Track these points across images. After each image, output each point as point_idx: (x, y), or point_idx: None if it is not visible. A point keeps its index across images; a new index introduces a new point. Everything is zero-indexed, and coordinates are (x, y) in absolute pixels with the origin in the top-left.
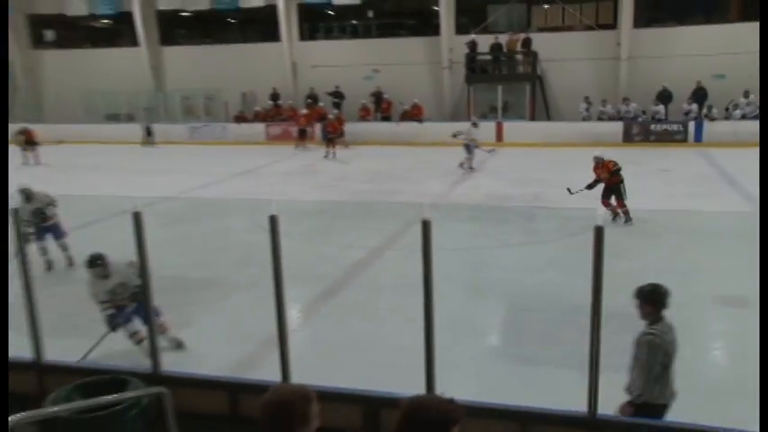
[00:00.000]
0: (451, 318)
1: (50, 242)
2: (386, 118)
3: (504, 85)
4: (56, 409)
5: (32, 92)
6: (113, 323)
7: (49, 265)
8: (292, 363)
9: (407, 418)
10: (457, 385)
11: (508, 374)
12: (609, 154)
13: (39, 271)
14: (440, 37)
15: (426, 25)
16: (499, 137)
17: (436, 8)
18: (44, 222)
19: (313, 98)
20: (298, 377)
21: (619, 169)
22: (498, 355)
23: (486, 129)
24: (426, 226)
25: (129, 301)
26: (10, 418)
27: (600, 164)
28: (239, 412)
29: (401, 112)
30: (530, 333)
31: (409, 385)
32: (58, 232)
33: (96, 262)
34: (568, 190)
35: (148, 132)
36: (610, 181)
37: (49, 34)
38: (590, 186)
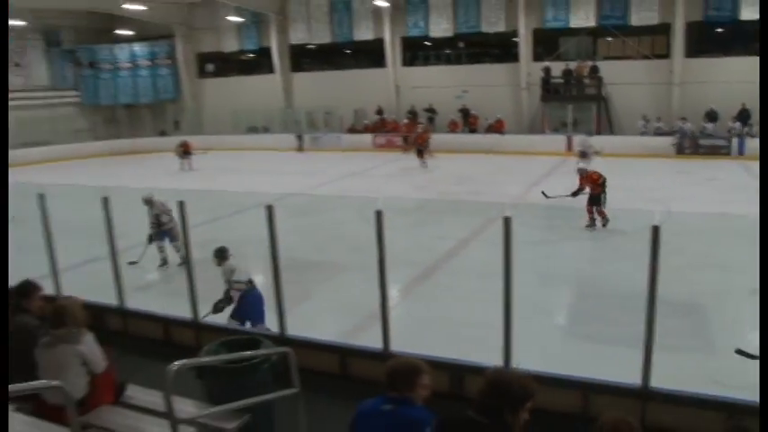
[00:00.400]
0: (526, 300)
1: (167, 243)
2: (472, 131)
3: (574, 104)
4: (207, 359)
5: (196, 111)
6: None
7: (164, 262)
8: (391, 333)
9: (491, 387)
10: (529, 357)
11: (572, 350)
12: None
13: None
14: (519, 63)
15: (508, 54)
16: (569, 147)
17: (516, 39)
18: (160, 227)
19: (413, 113)
20: (396, 345)
21: (604, 180)
22: (564, 333)
23: (557, 141)
24: (507, 222)
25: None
26: (175, 363)
27: (584, 175)
28: (348, 372)
29: (485, 125)
30: (592, 315)
31: (489, 356)
32: (171, 236)
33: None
34: (543, 193)
35: (300, 141)
36: (594, 191)
37: (210, 66)
38: (574, 194)
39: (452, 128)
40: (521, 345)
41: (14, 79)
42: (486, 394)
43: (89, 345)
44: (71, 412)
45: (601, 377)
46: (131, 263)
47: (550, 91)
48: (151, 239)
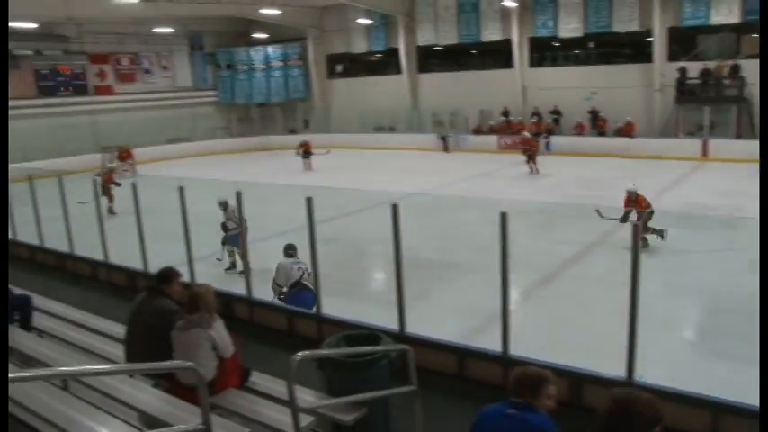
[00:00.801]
0: (652, 311)
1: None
2: (601, 133)
3: (711, 107)
4: (328, 351)
5: (324, 110)
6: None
7: (232, 265)
8: (511, 337)
9: (620, 409)
10: (653, 370)
11: (701, 366)
12: None
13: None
14: (652, 64)
15: (640, 54)
16: (705, 152)
17: (650, 39)
18: (226, 231)
19: (538, 115)
20: (515, 349)
21: (650, 207)
22: (693, 348)
23: (692, 145)
24: (636, 230)
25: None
26: (299, 353)
27: (633, 198)
28: (465, 372)
29: (614, 128)
30: (724, 331)
31: (610, 367)
32: (235, 241)
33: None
34: (598, 212)
35: (445, 142)
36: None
37: (339, 67)
38: (622, 220)
39: (579, 130)
40: (645, 357)
41: (162, 81)
42: (613, 416)
43: (219, 330)
44: (203, 392)
45: (731, 397)
46: (218, 259)
47: (686, 92)
48: (224, 242)
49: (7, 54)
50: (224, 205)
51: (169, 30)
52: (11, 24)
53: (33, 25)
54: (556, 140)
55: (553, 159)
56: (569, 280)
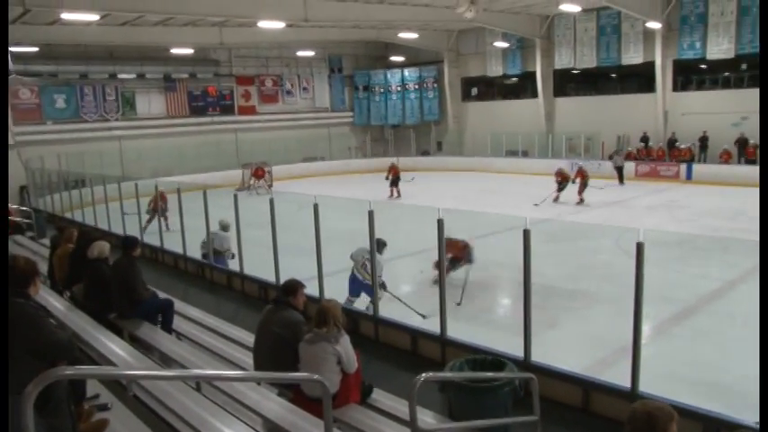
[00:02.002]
0: None
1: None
2: (750, 162)
3: None
4: (452, 374)
5: (458, 133)
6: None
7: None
8: (641, 373)
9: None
10: None
11: None
12: None
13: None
14: None
15: None
16: None
17: None
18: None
19: (671, 143)
20: (644, 385)
21: None
22: None
23: None
24: None
25: None
26: (422, 374)
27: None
28: (590, 407)
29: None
30: None
31: (750, 413)
32: (221, 262)
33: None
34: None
35: (620, 173)
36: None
37: (474, 90)
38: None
39: (725, 158)
40: None
41: (302, 102)
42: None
43: (345, 345)
44: (327, 405)
45: None
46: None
47: None
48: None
49: (7, 54)
50: (220, 224)
51: (310, 53)
52: (172, 51)
53: (190, 51)
54: (699, 168)
55: (696, 188)
56: (709, 317)
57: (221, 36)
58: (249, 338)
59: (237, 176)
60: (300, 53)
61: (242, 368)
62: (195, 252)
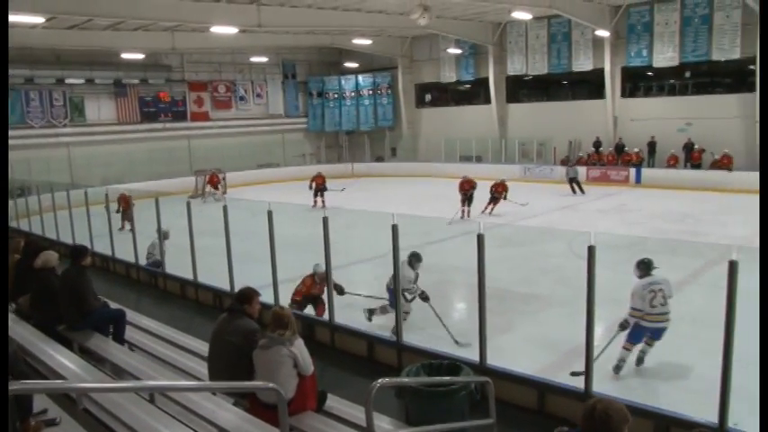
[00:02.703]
0: (748, 356)
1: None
2: (695, 166)
3: None
4: (408, 379)
5: (412, 139)
6: None
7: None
8: (594, 374)
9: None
10: (750, 417)
11: None
12: None
13: None
14: (754, 93)
15: (741, 84)
16: None
17: (752, 67)
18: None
19: (619, 148)
20: (598, 387)
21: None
22: None
23: None
24: (732, 267)
25: None
26: (378, 380)
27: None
28: (545, 409)
29: (711, 161)
30: None
31: (699, 410)
32: (156, 265)
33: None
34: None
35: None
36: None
37: (427, 96)
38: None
39: (672, 162)
40: (740, 403)
41: (255, 108)
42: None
43: (300, 347)
44: (283, 412)
45: None
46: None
47: None
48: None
49: (7, 55)
50: (166, 235)
51: (264, 59)
52: (122, 55)
53: (141, 56)
54: (647, 173)
55: (645, 192)
56: None
57: (173, 41)
58: (204, 348)
59: (190, 184)
60: (254, 59)
61: (197, 378)
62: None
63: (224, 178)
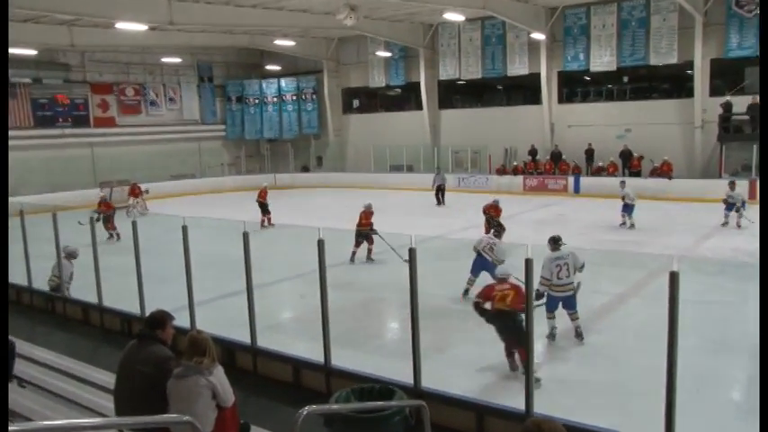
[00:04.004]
0: (693, 369)
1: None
2: (634, 174)
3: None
4: (338, 406)
5: (339, 147)
6: None
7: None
8: (535, 394)
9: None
10: None
11: (748, 430)
12: None
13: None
14: (693, 99)
15: (680, 88)
16: (752, 194)
17: (690, 72)
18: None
19: (555, 156)
20: (540, 407)
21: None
22: (740, 411)
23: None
24: (674, 277)
25: None
26: (305, 408)
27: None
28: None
29: (650, 168)
30: None
31: (647, 429)
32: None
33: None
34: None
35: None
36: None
37: (355, 102)
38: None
39: (611, 170)
40: (686, 419)
41: (168, 113)
42: None
43: (219, 376)
44: None
45: None
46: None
47: (730, 129)
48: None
49: (7, 56)
50: (72, 255)
51: (177, 60)
52: (11, 50)
53: (33, 52)
54: (586, 181)
55: (584, 201)
56: (601, 332)
57: (71, 36)
58: (110, 380)
59: (94, 196)
60: (166, 59)
61: (101, 415)
62: (42, 284)
63: (147, 191)
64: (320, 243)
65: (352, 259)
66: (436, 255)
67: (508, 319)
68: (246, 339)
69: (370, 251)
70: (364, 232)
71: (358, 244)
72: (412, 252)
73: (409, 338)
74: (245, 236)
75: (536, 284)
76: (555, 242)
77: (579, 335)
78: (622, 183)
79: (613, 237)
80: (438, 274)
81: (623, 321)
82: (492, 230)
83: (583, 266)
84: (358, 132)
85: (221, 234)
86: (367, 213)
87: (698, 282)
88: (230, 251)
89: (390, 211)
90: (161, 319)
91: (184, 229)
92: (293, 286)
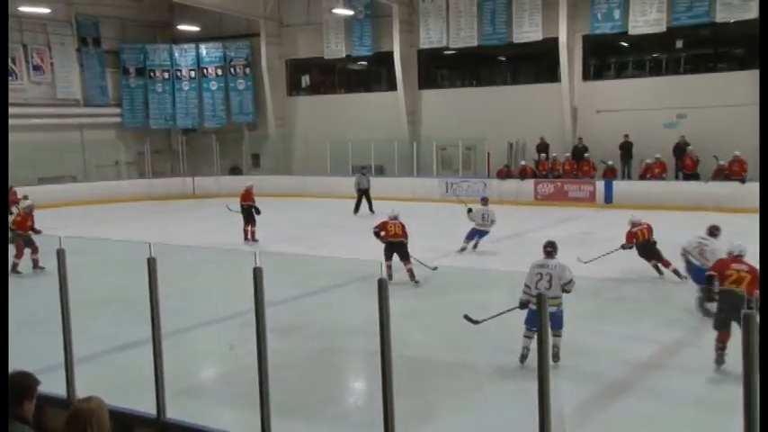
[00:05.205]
0: None
1: None
2: (691, 176)
3: None
4: None
5: (282, 141)
6: None
7: None
8: None
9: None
10: None
11: None
12: None
13: None
14: None
15: (756, 55)
16: None
17: None
18: None
19: (578, 152)
20: None
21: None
22: None
23: None
24: (749, 320)
25: None
26: None
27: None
28: None
29: (715, 168)
30: None
31: None
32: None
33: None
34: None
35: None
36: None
37: (305, 79)
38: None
39: (656, 172)
40: None
41: (33, 89)
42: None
43: None
44: None
45: None
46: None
47: None
48: None
49: (7, 54)
50: None
51: (44, 10)
52: None
53: None
54: (621, 187)
55: (618, 215)
56: (646, 397)
57: None
58: None
59: None
60: (27, 9)
61: None
62: None
63: (25, 197)
64: (257, 272)
65: (390, 276)
66: (419, 288)
67: (740, 302)
68: (151, 409)
69: (410, 271)
70: (402, 244)
71: (389, 257)
72: (381, 284)
73: (380, 403)
74: (151, 263)
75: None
76: (546, 249)
77: (555, 355)
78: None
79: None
80: (417, 314)
81: (675, 382)
82: None
83: (569, 284)
84: (309, 121)
85: (120, 261)
86: (401, 224)
87: None
88: (134, 285)
89: (351, 227)
90: (22, 385)
91: (60, 254)
92: (222, 332)
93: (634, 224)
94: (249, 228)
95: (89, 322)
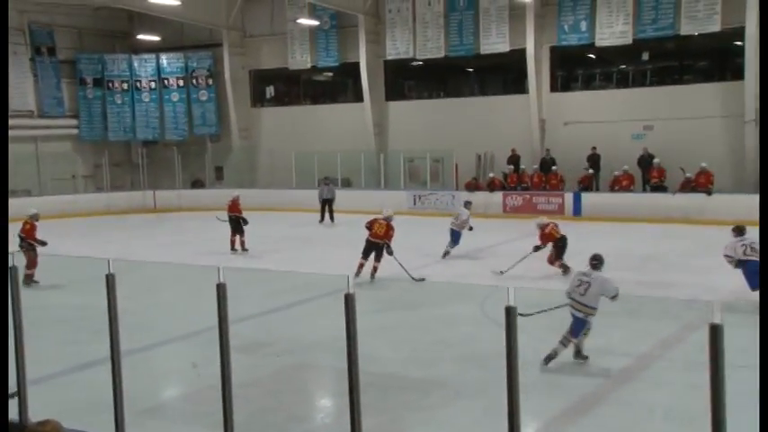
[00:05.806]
0: None
1: None
2: (657, 188)
3: None
4: None
5: (246, 153)
6: None
7: None
8: None
9: None
10: None
11: None
12: None
13: None
14: (743, 82)
15: (723, 69)
16: None
17: (740, 43)
18: None
19: (546, 164)
20: None
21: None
22: None
23: None
24: (716, 332)
25: None
26: None
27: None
28: None
29: (681, 180)
30: None
31: None
32: None
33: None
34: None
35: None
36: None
37: (269, 90)
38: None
39: (624, 184)
40: None
41: None
42: None
43: None
44: None
45: None
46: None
47: None
48: None
49: (7, 53)
50: None
51: None
52: None
53: None
54: (590, 199)
55: (588, 227)
56: (618, 410)
57: None
58: None
59: None
60: None
61: None
62: None
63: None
64: (220, 288)
65: (357, 273)
66: (385, 303)
67: None
68: (110, 430)
69: (375, 269)
70: (379, 246)
71: (366, 256)
72: (349, 299)
73: (348, 421)
74: (110, 280)
75: None
76: (592, 262)
77: (578, 353)
78: (467, 203)
79: (631, 275)
80: (385, 328)
81: (645, 394)
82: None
83: (615, 297)
84: (273, 133)
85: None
86: (387, 225)
87: (751, 338)
88: (92, 303)
89: (317, 240)
90: None
91: (12, 270)
92: (184, 349)
93: (544, 226)
94: (237, 238)
95: (44, 342)
